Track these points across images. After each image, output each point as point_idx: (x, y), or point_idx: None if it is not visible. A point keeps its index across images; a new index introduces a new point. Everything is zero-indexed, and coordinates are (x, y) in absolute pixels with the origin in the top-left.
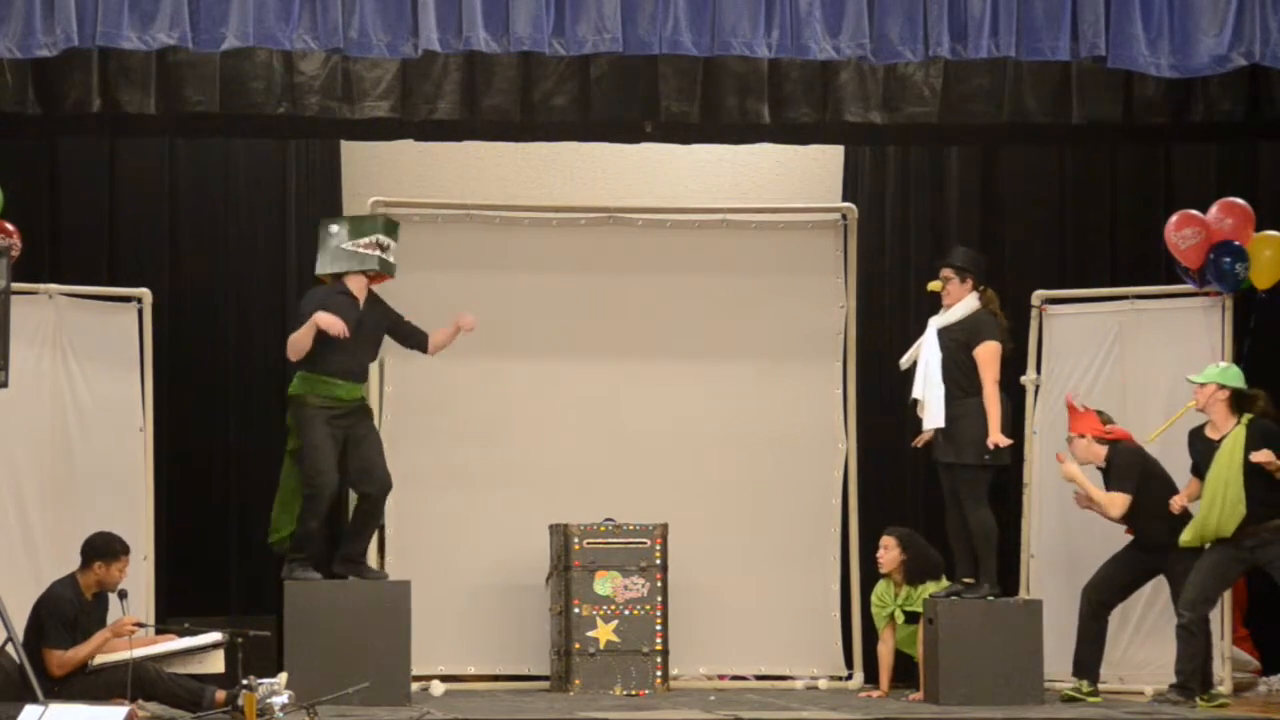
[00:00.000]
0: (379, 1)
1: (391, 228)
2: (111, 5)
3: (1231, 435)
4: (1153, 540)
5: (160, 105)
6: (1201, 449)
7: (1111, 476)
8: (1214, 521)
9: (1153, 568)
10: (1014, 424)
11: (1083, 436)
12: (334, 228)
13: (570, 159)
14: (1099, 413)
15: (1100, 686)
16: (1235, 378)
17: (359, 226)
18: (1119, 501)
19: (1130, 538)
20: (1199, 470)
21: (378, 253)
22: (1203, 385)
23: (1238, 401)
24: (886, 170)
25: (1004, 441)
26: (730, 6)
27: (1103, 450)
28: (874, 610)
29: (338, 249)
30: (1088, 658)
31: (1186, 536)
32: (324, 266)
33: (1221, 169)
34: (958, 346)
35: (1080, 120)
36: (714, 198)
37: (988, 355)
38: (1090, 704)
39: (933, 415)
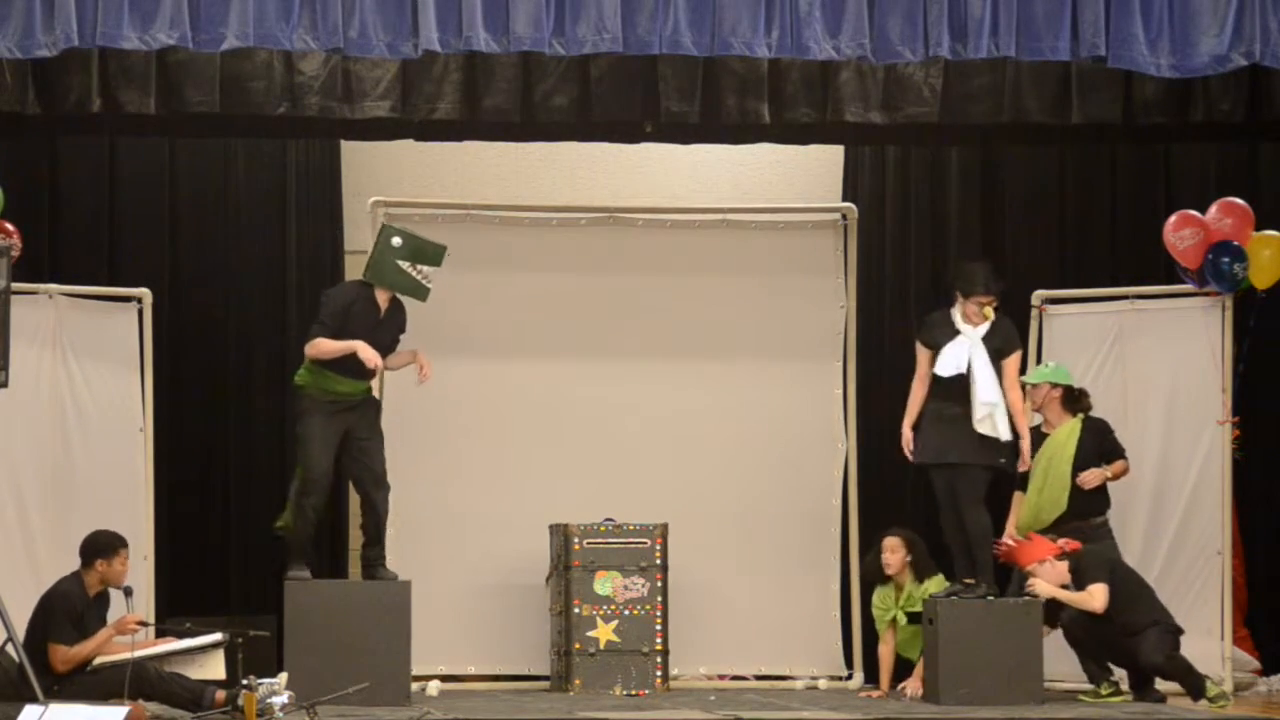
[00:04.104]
0: (379, 1)
1: (438, 257)
2: (111, 5)
3: (1066, 428)
4: (1134, 628)
5: (160, 105)
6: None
7: (1084, 577)
8: (1034, 508)
9: (1127, 648)
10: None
11: (1042, 563)
12: (396, 241)
13: (570, 159)
14: (1040, 532)
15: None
16: (1065, 376)
17: (419, 252)
18: (1098, 593)
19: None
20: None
21: (421, 280)
22: (1035, 386)
23: (1070, 399)
24: (886, 170)
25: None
26: (730, 6)
27: (1064, 565)
28: (875, 614)
29: (388, 261)
30: (1091, 663)
31: (1023, 521)
32: (369, 271)
33: (1221, 169)
34: (993, 354)
35: (1080, 120)
36: (714, 198)
37: (1017, 365)
38: (1111, 704)
39: (1001, 426)
